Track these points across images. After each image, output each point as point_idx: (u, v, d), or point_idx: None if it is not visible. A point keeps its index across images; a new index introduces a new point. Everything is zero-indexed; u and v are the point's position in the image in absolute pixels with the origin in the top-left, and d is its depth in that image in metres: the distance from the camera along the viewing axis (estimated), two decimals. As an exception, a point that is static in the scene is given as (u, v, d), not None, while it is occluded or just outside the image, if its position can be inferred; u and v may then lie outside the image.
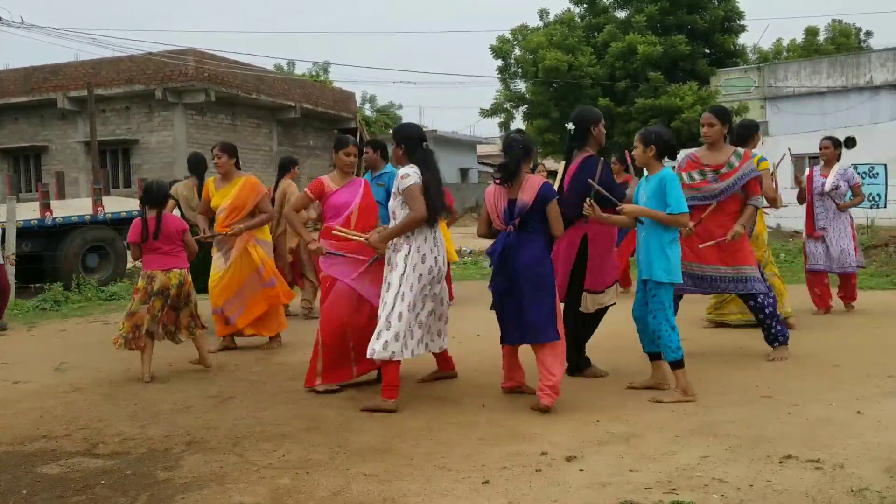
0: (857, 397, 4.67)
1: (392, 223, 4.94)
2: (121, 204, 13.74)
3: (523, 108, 28.50)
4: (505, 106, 28.60)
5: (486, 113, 28.54)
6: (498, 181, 4.78)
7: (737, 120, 26.79)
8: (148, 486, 3.58)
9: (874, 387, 4.91)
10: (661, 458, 3.74)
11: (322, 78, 37.09)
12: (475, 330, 7.20)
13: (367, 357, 4.85)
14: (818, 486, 3.30)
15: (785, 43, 33.23)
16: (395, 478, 3.59)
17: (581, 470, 3.61)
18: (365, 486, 3.49)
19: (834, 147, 8.02)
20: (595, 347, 6.46)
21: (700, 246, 5.68)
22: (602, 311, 5.47)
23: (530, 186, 4.71)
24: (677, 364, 4.74)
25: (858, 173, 8.94)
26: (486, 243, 5.45)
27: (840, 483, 3.33)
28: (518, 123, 29.52)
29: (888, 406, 4.46)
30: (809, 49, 30.95)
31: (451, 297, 9.07)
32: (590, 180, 4.92)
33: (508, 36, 28.64)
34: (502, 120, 28.86)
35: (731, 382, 5.17)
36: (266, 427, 4.48)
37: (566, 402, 4.81)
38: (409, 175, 4.81)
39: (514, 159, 4.75)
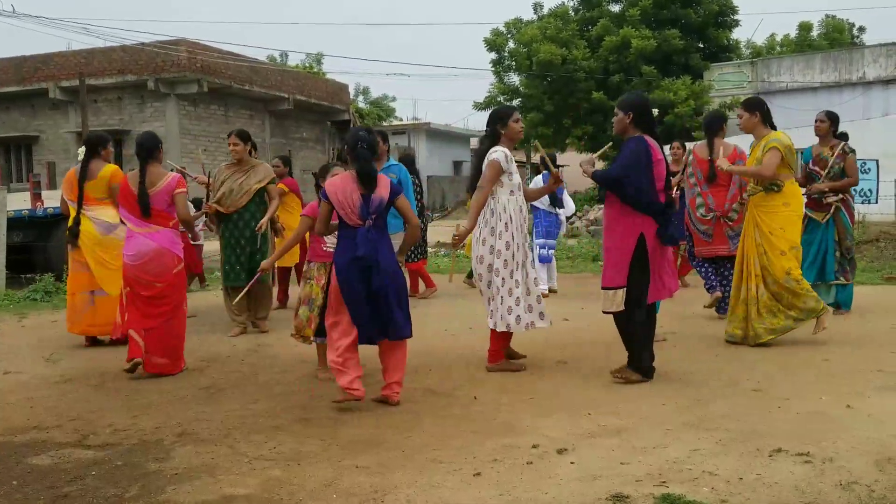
0: (848, 391, 4.69)
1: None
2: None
3: (517, 102, 28.48)
4: (499, 99, 28.57)
5: (479, 106, 28.51)
6: (359, 184, 4.52)
7: (730, 115, 26.85)
8: (139, 478, 3.58)
9: (864, 381, 4.94)
10: (651, 451, 3.75)
11: (315, 69, 36.98)
12: (467, 322, 7.22)
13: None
14: (808, 480, 3.31)
15: (778, 38, 33.26)
16: (387, 470, 3.59)
17: (572, 463, 3.62)
18: (356, 478, 3.49)
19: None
20: (588, 341, 6.48)
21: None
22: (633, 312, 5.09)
23: (382, 182, 4.62)
24: None
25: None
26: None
27: (829, 477, 3.34)
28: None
29: (878, 400, 4.48)
30: (803, 44, 30.99)
31: (431, 286, 9.35)
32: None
33: (502, 29, 28.60)
34: (507, 104, 28.90)
35: (722, 376, 5.19)
36: (257, 419, 4.47)
37: (558, 395, 4.82)
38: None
39: (368, 163, 4.56)
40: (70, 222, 6.64)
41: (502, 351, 5.55)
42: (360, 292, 4.53)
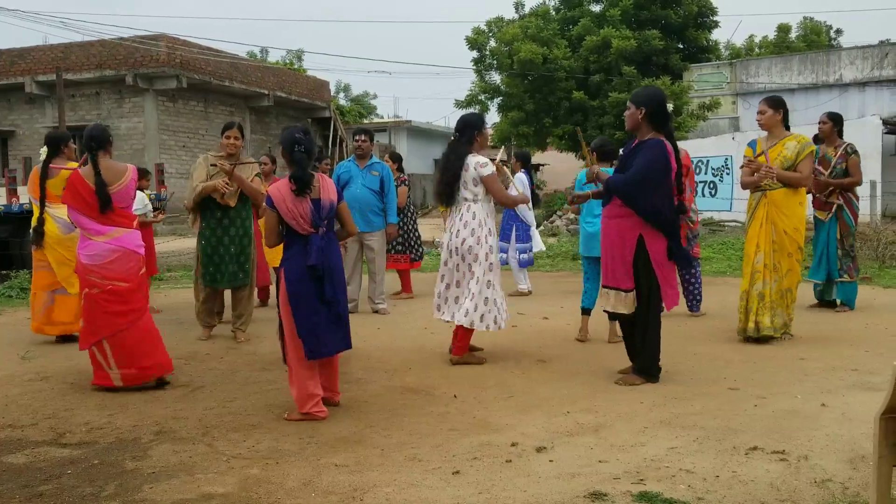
0: (822, 390, 4.74)
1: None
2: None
3: (498, 100, 28.51)
4: (480, 97, 28.58)
5: (460, 104, 28.48)
6: (295, 191, 4.33)
7: (709, 115, 26.71)
8: (116, 476, 3.55)
9: (839, 380, 4.99)
10: (629, 448, 3.77)
11: (296, 66, 36.83)
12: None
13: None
14: (783, 478, 3.35)
15: (757, 39, 33.54)
16: (366, 468, 3.59)
17: (551, 461, 3.64)
18: (335, 477, 3.49)
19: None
20: (566, 340, 6.50)
21: None
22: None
23: (327, 185, 4.46)
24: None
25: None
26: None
27: (804, 474, 3.38)
28: (493, 115, 29.57)
29: (852, 399, 4.53)
30: (781, 46, 31.24)
31: (409, 291, 9.33)
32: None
33: (484, 27, 28.60)
34: (477, 111, 28.88)
35: (699, 374, 5.23)
36: (236, 417, 4.45)
37: (537, 394, 4.84)
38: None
39: (305, 168, 4.34)
40: (34, 222, 6.56)
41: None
42: (314, 303, 4.33)
